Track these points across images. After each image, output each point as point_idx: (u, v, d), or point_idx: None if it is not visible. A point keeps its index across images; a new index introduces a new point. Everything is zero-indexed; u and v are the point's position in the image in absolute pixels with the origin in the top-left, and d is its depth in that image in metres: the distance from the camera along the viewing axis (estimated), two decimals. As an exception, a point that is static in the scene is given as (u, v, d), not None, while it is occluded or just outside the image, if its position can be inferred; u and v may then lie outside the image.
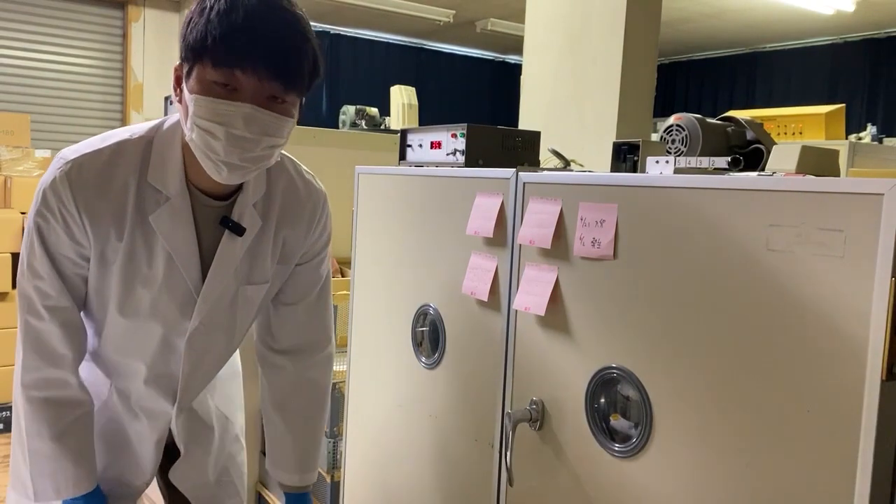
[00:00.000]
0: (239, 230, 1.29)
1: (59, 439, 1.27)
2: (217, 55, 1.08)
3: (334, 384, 2.24)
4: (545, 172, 1.42)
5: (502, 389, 1.45)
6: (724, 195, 1.05)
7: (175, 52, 1.45)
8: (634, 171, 1.37)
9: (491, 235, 1.44)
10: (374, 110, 4.69)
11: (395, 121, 4.60)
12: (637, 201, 1.17)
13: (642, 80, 2.87)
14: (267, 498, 2.74)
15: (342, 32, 8.97)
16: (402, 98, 4.57)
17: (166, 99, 3.36)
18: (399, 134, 1.80)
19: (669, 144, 1.50)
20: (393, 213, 1.77)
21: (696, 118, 1.48)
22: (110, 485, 1.40)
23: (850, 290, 0.91)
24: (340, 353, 2.22)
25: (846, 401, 0.92)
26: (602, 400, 1.25)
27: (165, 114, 2.53)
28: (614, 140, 1.45)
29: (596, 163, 1.73)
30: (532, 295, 1.34)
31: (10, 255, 3.87)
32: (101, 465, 1.38)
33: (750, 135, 1.53)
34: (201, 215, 1.27)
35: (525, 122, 3.22)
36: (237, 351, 1.62)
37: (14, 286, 3.70)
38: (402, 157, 1.78)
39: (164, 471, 1.47)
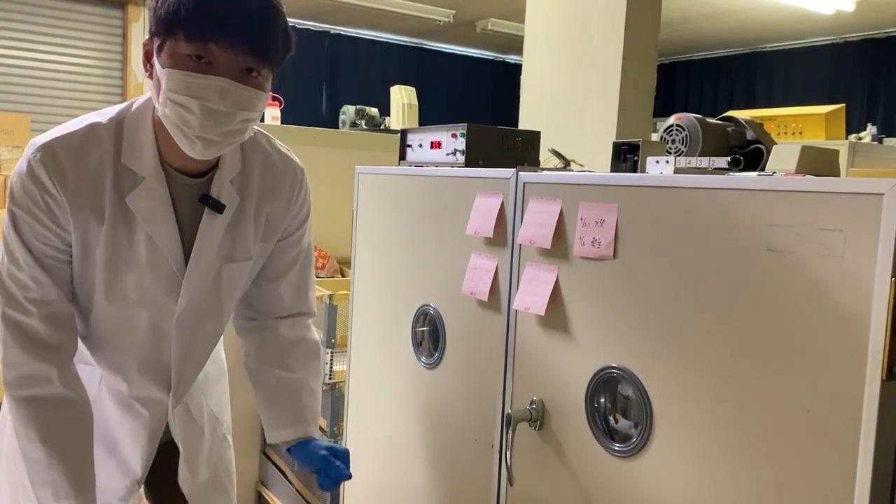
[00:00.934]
0: (218, 207, 1.28)
1: (49, 443, 1.23)
2: (190, 28, 1.08)
3: (334, 384, 2.24)
4: (545, 172, 1.42)
5: (502, 389, 1.45)
6: (724, 195, 1.05)
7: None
8: (634, 171, 1.37)
9: (491, 235, 1.44)
10: (374, 110, 4.69)
11: (395, 121, 4.60)
12: (637, 201, 1.17)
13: (642, 80, 2.87)
14: (267, 498, 2.74)
15: (342, 32, 8.97)
16: (402, 98, 4.57)
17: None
18: (399, 134, 1.80)
19: (669, 144, 1.50)
20: (393, 213, 1.77)
21: (696, 118, 1.48)
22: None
23: (850, 290, 0.91)
24: (340, 353, 2.22)
25: (846, 401, 0.92)
26: (602, 400, 1.25)
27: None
28: (614, 140, 1.45)
29: (596, 163, 1.73)
30: (532, 295, 1.34)
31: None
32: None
33: (750, 135, 1.53)
34: (178, 194, 1.26)
35: (525, 122, 3.22)
36: (222, 351, 1.62)
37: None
38: (402, 157, 1.78)
39: (149, 480, 1.46)
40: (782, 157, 1.22)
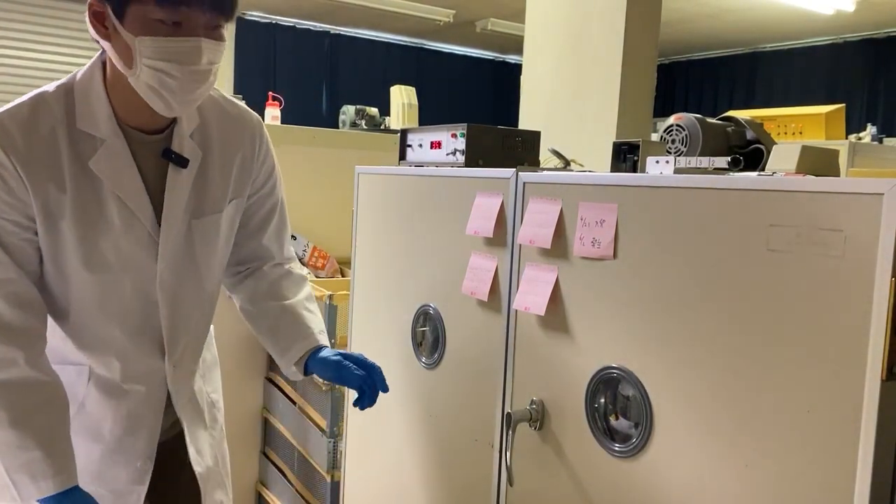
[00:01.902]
0: (182, 161, 1.29)
1: (20, 425, 1.19)
2: None
3: (334, 384, 2.24)
4: (545, 172, 1.42)
5: (502, 389, 1.45)
6: (724, 195, 1.05)
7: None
8: (634, 171, 1.37)
9: (491, 235, 1.44)
10: (374, 110, 4.69)
11: (395, 121, 4.60)
12: (637, 201, 1.17)
13: (642, 80, 2.87)
14: (267, 498, 2.74)
15: (342, 32, 8.97)
16: (402, 98, 4.57)
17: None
18: (399, 134, 1.80)
19: (669, 144, 1.50)
20: (393, 213, 1.77)
21: (696, 118, 1.48)
22: (100, 490, 1.35)
23: (850, 290, 0.91)
24: (340, 353, 2.22)
25: (846, 401, 0.92)
26: (602, 400, 1.25)
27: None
28: (614, 140, 1.45)
29: (596, 163, 1.73)
30: (532, 295, 1.34)
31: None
32: (85, 468, 1.33)
33: (750, 135, 1.53)
34: (140, 154, 1.26)
35: (525, 122, 3.22)
36: (213, 342, 1.59)
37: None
38: (402, 157, 1.78)
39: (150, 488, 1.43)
40: (782, 157, 1.23)
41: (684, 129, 1.48)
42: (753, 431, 1.02)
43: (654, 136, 1.74)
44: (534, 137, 1.68)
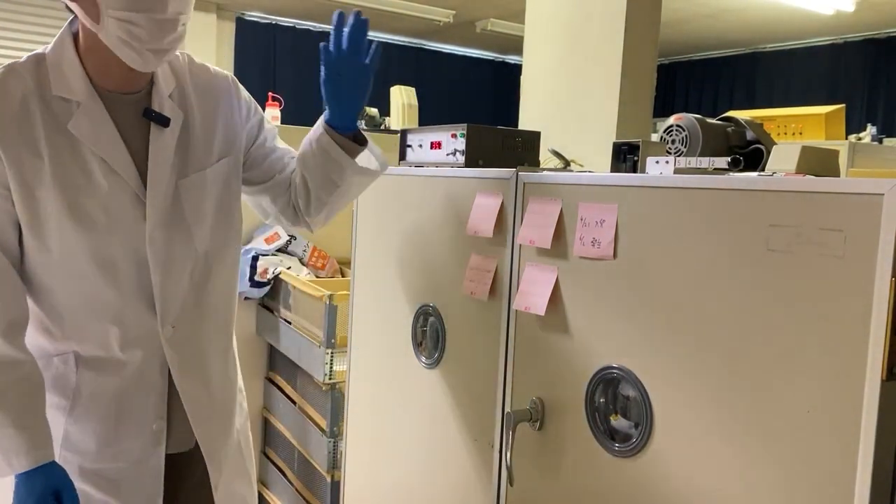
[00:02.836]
0: (163, 120, 1.30)
1: None
2: None
3: (334, 384, 2.25)
4: (545, 172, 1.42)
5: (502, 389, 1.45)
6: (724, 195, 1.05)
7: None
8: (634, 171, 1.37)
9: (491, 235, 1.44)
10: (374, 110, 4.68)
11: (395, 121, 4.60)
12: (637, 201, 1.17)
13: (642, 80, 2.87)
14: (267, 498, 2.75)
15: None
16: (402, 98, 4.57)
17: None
18: (399, 134, 1.80)
19: (669, 144, 1.50)
20: (393, 213, 1.77)
21: (696, 118, 1.48)
22: (121, 465, 1.34)
23: (850, 290, 0.91)
24: (340, 353, 2.22)
25: (846, 401, 0.92)
26: (602, 400, 1.25)
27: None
28: (614, 140, 1.45)
29: (596, 163, 1.73)
30: (532, 295, 1.34)
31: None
32: (101, 449, 1.34)
33: (750, 135, 1.53)
34: (119, 115, 1.27)
35: (525, 122, 3.22)
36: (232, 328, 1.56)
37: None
38: (402, 157, 1.78)
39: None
40: (782, 157, 1.23)
41: (684, 130, 1.48)
42: (753, 431, 1.02)
43: (654, 137, 1.74)
44: (534, 137, 1.68)
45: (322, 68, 1.38)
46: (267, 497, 2.75)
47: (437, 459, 1.64)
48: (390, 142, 1.83)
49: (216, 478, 1.43)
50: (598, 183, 1.25)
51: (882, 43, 8.03)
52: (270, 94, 3.70)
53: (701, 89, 9.75)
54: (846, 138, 3.59)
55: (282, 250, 2.85)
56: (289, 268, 2.68)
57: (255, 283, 2.65)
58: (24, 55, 1.29)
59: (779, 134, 3.43)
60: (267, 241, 2.81)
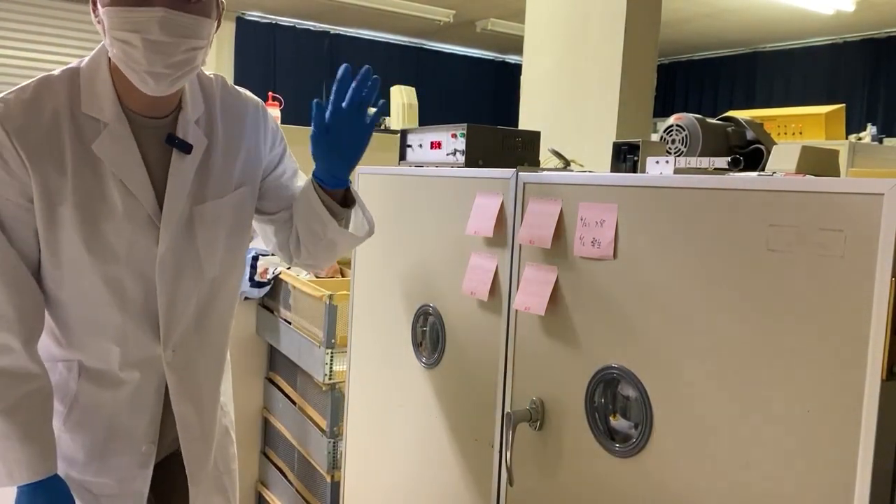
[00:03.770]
0: (185, 147, 1.29)
1: (8, 414, 1.20)
2: None
3: (334, 384, 2.25)
4: (545, 172, 1.42)
5: (502, 389, 1.45)
6: (724, 195, 1.05)
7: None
8: (634, 171, 1.37)
9: (491, 235, 1.44)
10: (373, 110, 4.68)
11: (395, 121, 4.60)
12: (637, 201, 1.17)
13: (642, 80, 2.87)
14: (267, 498, 2.74)
15: (342, 32, 8.97)
16: (402, 98, 4.57)
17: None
18: (399, 134, 1.80)
19: (669, 144, 1.50)
20: (393, 213, 1.77)
21: (696, 118, 1.48)
22: (105, 480, 1.35)
23: (850, 290, 0.91)
24: (340, 353, 2.22)
25: (846, 401, 0.92)
26: (602, 400, 1.25)
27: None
28: (614, 140, 1.45)
29: (596, 163, 1.73)
30: (532, 295, 1.34)
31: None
32: (89, 462, 1.34)
33: (750, 135, 1.53)
34: (143, 139, 1.26)
35: (525, 122, 3.22)
36: (227, 348, 1.59)
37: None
38: (402, 157, 1.78)
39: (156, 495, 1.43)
40: (782, 157, 1.23)
41: (684, 130, 1.48)
42: (753, 431, 1.02)
43: (654, 136, 1.74)
44: (534, 137, 1.68)
45: (313, 125, 1.32)
46: (267, 497, 2.75)
47: (437, 459, 1.64)
48: (390, 142, 1.83)
49: (194, 493, 1.44)
50: (598, 183, 1.25)
51: (882, 43, 8.03)
52: (270, 94, 3.70)
53: (701, 89, 9.75)
54: (846, 138, 3.59)
55: (282, 250, 2.84)
56: (289, 268, 2.68)
57: (255, 283, 2.65)
58: (58, 68, 1.29)
59: (779, 134, 3.43)
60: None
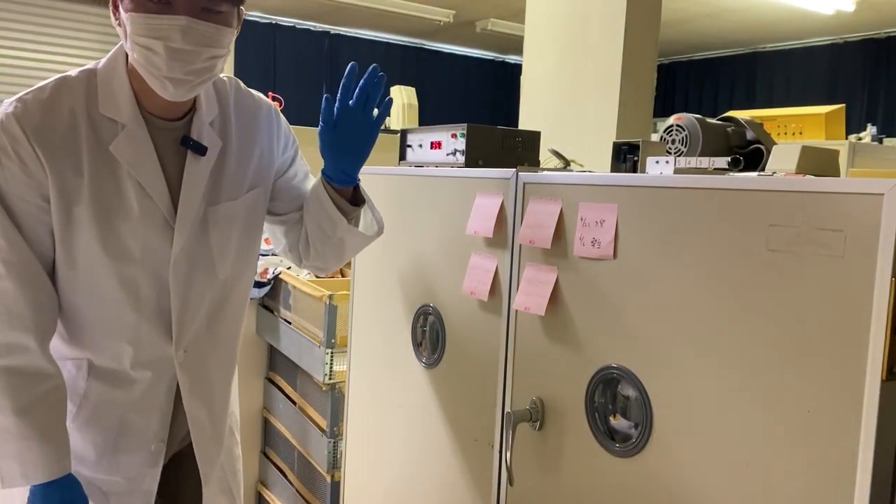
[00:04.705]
0: (200, 149, 1.29)
1: (24, 414, 1.20)
2: None
3: (334, 384, 2.25)
4: (545, 172, 1.42)
5: (502, 389, 1.45)
6: (724, 195, 1.05)
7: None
8: (634, 171, 1.37)
9: (491, 235, 1.44)
10: (374, 110, 4.68)
11: (395, 121, 4.60)
12: (637, 201, 1.17)
13: (642, 80, 2.87)
14: (267, 498, 2.74)
15: (342, 32, 8.98)
16: (402, 98, 4.57)
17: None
18: (399, 134, 1.80)
19: (669, 144, 1.50)
20: (393, 213, 1.77)
21: (696, 118, 1.48)
22: (115, 478, 1.36)
23: (850, 290, 0.91)
24: (340, 353, 2.22)
25: (846, 401, 0.92)
26: (602, 400, 1.25)
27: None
28: (614, 140, 1.45)
29: (596, 163, 1.73)
30: (532, 295, 1.34)
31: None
32: (99, 460, 1.35)
33: (750, 135, 1.53)
34: (159, 140, 1.27)
35: (525, 122, 3.22)
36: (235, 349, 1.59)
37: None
38: (402, 157, 1.78)
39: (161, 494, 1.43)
40: (782, 157, 1.23)
41: (684, 130, 1.48)
42: (753, 431, 1.02)
43: (654, 136, 1.74)
44: (534, 137, 1.68)
45: (321, 120, 1.33)
46: (267, 497, 2.75)
47: (437, 459, 1.64)
48: (390, 142, 1.83)
49: (206, 493, 1.44)
50: (598, 183, 1.25)
51: (882, 43, 8.04)
52: (270, 94, 3.70)
53: (701, 89, 9.75)
54: (846, 138, 3.59)
55: (282, 250, 2.85)
56: (289, 268, 2.68)
57: (255, 283, 2.65)
58: (75, 69, 1.28)
59: (779, 134, 3.43)
60: (267, 241, 2.80)
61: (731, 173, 1.19)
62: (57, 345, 1.32)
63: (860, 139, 4.09)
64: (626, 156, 1.40)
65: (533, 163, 1.65)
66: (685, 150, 1.47)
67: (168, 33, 1.14)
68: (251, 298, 2.68)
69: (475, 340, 1.52)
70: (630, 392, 1.20)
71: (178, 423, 1.41)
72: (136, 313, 1.31)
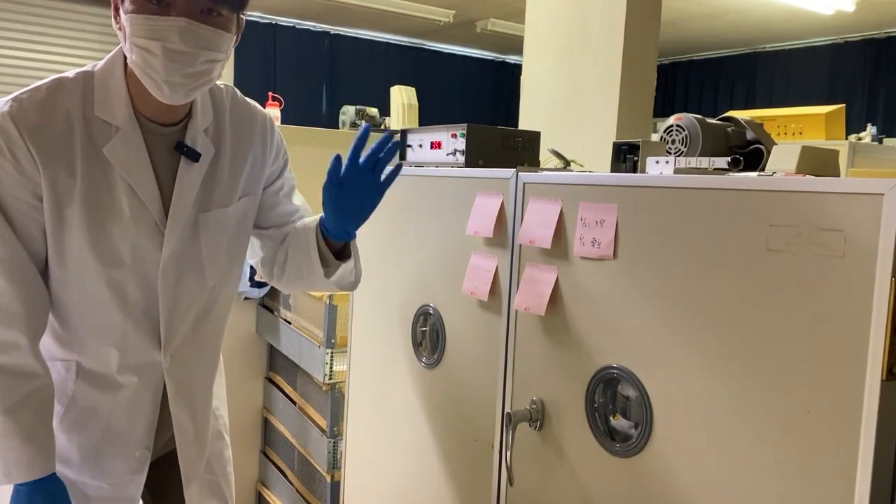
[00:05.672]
0: (193, 156, 1.30)
1: (11, 413, 1.19)
2: None
3: (334, 384, 2.25)
4: (545, 172, 1.42)
5: (502, 389, 1.45)
6: (724, 195, 1.05)
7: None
8: (634, 171, 1.37)
9: (491, 235, 1.44)
10: (374, 110, 4.69)
11: (395, 121, 4.60)
12: (637, 201, 1.17)
13: (642, 80, 2.87)
14: (267, 498, 2.75)
15: (342, 32, 8.97)
16: (402, 98, 4.57)
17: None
18: (399, 134, 1.80)
19: (669, 144, 1.50)
20: (393, 213, 1.77)
21: (696, 118, 1.48)
22: (99, 483, 1.36)
23: (850, 290, 0.91)
24: (340, 353, 2.22)
25: (846, 401, 0.92)
26: (602, 400, 1.25)
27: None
28: (614, 140, 1.45)
29: (596, 163, 1.73)
30: (532, 295, 1.34)
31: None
32: (83, 464, 1.34)
33: (750, 135, 1.53)
34: (153, 144, 1.27)
35: (525, 122, 3.22)
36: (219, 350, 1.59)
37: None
38: (402, 157, 1.78)
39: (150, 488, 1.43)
40: (782, 157, 1.23)
41: (684, 130, 1.48)
42: (753, 431, 1.02)
43: (654, 137, 1.74)
44: (534, 137, 1.68)
45: (327, 177, 1.31)
46: (267, 497, 2.75)
47: (437, 459, 1.64)
48: (390, 142, 1.83)
49: (189, 495, 1.44)
50: (598, 183, 1.25)
51: (882, 43, 8.04)
52: (270, 94, 3.70)
53: (701, 89, 9.75)
54: (846, 138, 3.59)
55: (282, 250, 2.85)
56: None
57: (255, 283, 2.65)
58: (72, 70, 1.29)
59: (779, 134, 3.43)
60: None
61: (730, 173, 1.19)
62: (48, 344, 1.32)
63: (860, 139, 4.09)
64: (626, 156, 1.40)
65: (533, 163, 1.65)
66: (685, 150, 1.47)
67: (166, 34, 1.14)
68: (251, 298, 2.71)
69: (475, 341, 1.52)
70: (630, 392, 1.20)
71: (162, 427, 1.41)
72: (123, 317, 1.31)
